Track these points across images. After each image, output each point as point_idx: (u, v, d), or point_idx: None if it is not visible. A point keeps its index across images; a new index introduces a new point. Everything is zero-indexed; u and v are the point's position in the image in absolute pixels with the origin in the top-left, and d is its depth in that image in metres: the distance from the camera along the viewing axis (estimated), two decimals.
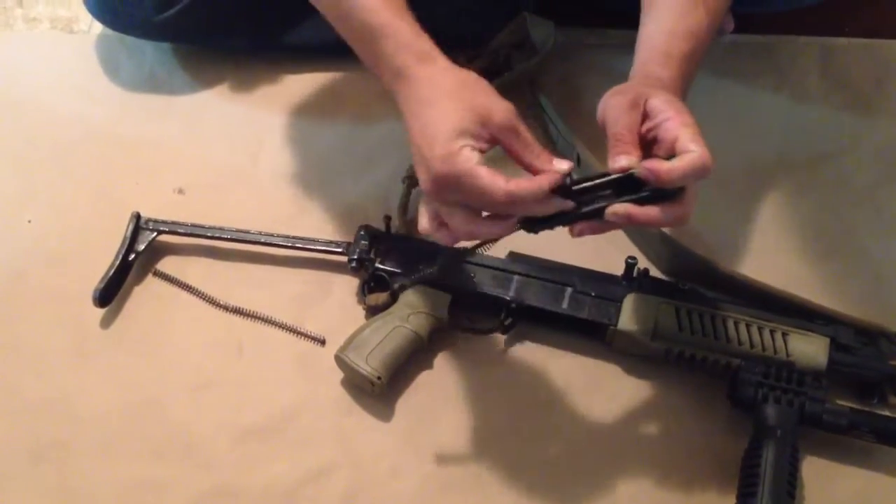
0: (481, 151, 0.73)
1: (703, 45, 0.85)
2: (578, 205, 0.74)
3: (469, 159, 0.71)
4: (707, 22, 0.85)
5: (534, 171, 0.74)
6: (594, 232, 0.76)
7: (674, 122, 0.73)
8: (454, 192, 0.73)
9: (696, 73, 0.85)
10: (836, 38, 1.22)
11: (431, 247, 0.98)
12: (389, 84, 0.81)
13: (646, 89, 0.77)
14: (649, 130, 0.76)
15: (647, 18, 0.87)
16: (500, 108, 0.74)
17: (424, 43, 0.79)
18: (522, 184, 0.71)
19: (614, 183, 0.73)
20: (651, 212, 0.73)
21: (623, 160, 0.72)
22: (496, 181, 0.71)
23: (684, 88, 0.82)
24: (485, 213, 0.75)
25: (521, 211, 0.73)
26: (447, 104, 0.75)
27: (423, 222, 0.78)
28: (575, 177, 0.74)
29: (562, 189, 0.72)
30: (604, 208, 0.73)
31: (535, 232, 0.76)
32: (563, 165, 0.73)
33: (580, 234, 0.75)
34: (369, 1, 0.80)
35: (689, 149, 0.71)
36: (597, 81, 0.85)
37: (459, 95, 0.75)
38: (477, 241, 0.95)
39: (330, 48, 1.19)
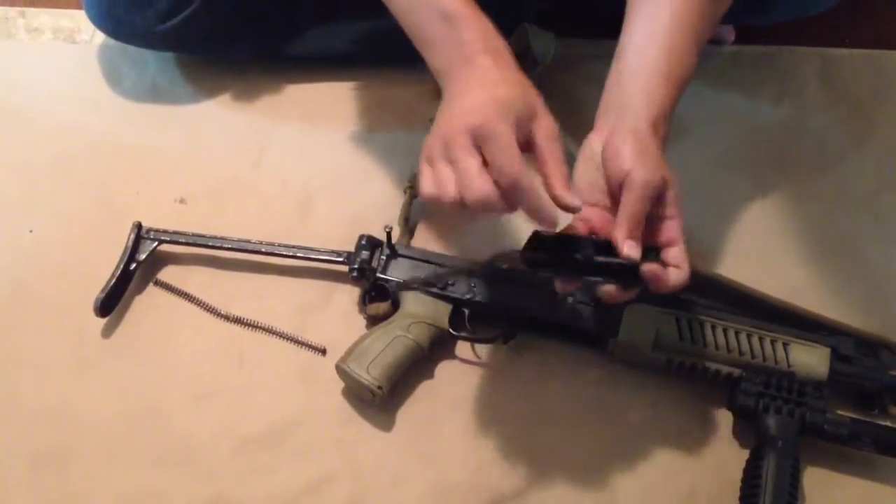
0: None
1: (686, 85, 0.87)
2: (586, 272, 0.78)
3: (508, 130, 0.73)
4: (695, 64, 0.87)
5: (548, 187, 0.75)
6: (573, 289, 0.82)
7: (676, 226, 0.79)
8: (472, 149, 0.73)
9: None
10: (837, 49, 1.23)
11: (433, 256, 0.99)
12: (451, 67, 0.81)
13: (667, 172, 0.79)
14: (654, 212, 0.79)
15: (641, 41, 0.87)
16: (550, 117, 0.77)
17: (500, 41, 0.81)
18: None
19: (619, 266, 0.77)
20: (625, 294, 0.80)
21: (634, 251, 0.76)
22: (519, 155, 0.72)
23: (661, 127, 0.84)
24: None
25: (518, 197, 0.73)
26: (507, 90, 0.76)
27: (426, 182, 0.76)
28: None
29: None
30: (600, 282, 0.79)
31: (534, 265, 0.79)
32: (575, 201, 0.75)
33: (566, 290, 0.83)
34: None
35: (683, 265, 0.78)
36: (597, 92, 0.86)
37: (521, 90, 0.77)
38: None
39: (331, 58, 1.20)
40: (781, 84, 1.19)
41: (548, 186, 0.75)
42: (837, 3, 1.08)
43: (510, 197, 0.72)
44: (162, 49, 1.20)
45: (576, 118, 1.00)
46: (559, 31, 1.15)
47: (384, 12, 0.87)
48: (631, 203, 0.77)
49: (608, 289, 0.78)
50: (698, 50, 0.87)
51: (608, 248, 0.77)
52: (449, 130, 0.74)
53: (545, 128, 0.76)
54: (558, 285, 0.80)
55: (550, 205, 0.73)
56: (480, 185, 0.71)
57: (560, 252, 0.76)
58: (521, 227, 1.01)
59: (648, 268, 0.77)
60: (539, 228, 0.75)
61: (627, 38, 0.87)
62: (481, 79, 0.77)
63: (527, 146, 0.76)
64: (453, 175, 0.73)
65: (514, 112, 0.74)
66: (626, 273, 0.77)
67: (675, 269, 0.78)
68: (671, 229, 0.79)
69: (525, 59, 1.13)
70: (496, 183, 0.71)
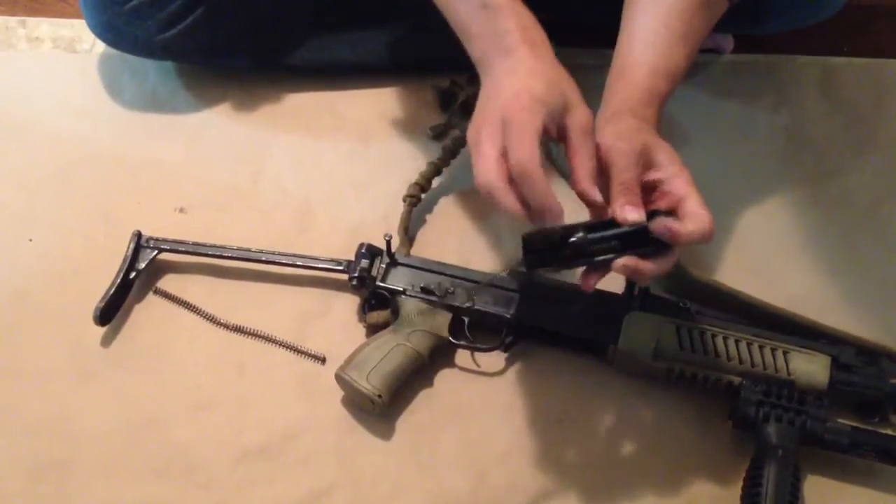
0: (546, 133, 0.76)
1: (677, 85, 0.87)
2: (590, 253, 0.76)
3: (532, 120, 0.74)
4: (685, 65, 0.87)
5: (574, 181, 0.76)
6: (600, 279, 0.78)
7: (682, 182, 0.77)
8: (496, 137, 0.75)
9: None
10: (836, 58, 1.23)
11: (432, 265, 0.99)
12: (490, 57, 0.82)
13: (649, 138, 0.79)
14: (651, 180, 0.78)
15: (628, 45, 0.88)
16: (585, 110, 0.78)
17: (539, 33, 0.82)
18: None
19: (624, 235, 0.75)
20: (651, 265, 0.76)
21: (633, 213, 0.75)
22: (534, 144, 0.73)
23: (659, 126, 0.84)
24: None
25: (526, 187, 0.73)
26: (541, 83, 0.77)
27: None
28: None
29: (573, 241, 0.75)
30: (612, 259, 0.75)
31: (535, 266, 0.78)
32: (598, 196, 0.75)
33: (591, 287, 0.78)
34: None
35: (699, 213, 0.75)
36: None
37: (557, 82, 0.79)
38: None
39: (331, 68, 1.20)
40: (780, 93, 1.19)
41: (574, 180, 0.76)
42: (836, 13, 1.08)
43: (521, 188, 0.73)
44: (162, 59, 1.20)
45: None
46: (558, 40, 1.15)
47: (383, 23, 0.88)
48: (617, 173, 0.77)
49: (624, 262, 0.74)
50: (689, 40, 0.88)
51: (607, 225, 0.76)
52: (482, 121, 0.77)
53: (579, 121, 0.77)
54: (583, 282, 0.78)
55: (556, 204, 0.73)
56: (486, 170, 0.74)
57: (554, 244, 0.76)
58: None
59: (658, 223, 0.74)
60: (526, 232, 0.76)
61: (620, 35, 0.89)
62: (517, 70, 0.78)
63: (561, 138, 0.77)
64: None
65: (547, 105, 0.75)
66: (635, 239, 0.75)
67: (691, 218, 0.75)
68: (676, 186, 0.77)
69: None
70: (510, 171, 0.73)
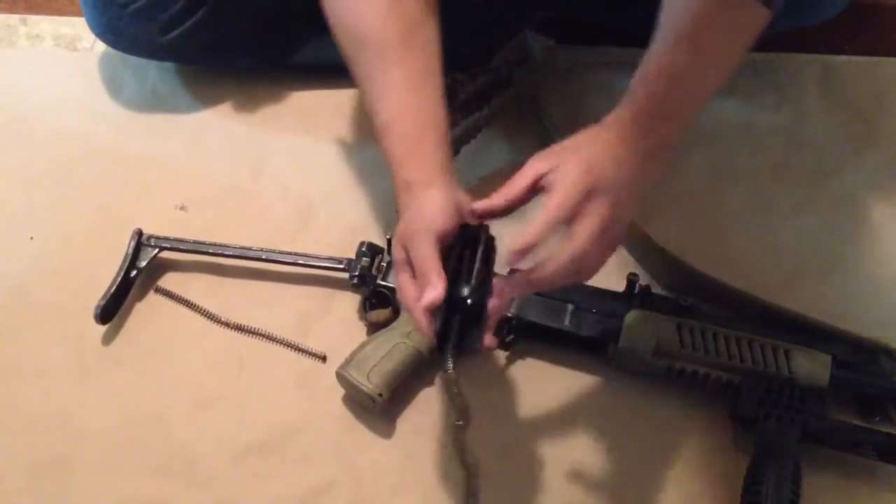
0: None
1: (685, 87, 0.79)
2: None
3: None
4: (688, 61, 0.78)
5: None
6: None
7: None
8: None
9: (687, 118, 0.82)
10: (837, 56, 1.23)
11: None
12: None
13: (561, 149, 0.77)
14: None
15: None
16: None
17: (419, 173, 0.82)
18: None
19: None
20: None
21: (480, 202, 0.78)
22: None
23: (642, 127, 0.78)
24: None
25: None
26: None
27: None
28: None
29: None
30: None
31: (442, 351, 0.75)
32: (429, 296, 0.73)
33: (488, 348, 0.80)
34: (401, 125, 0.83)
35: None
36: (598, 99, 0.86)
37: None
38: None
39: (331, 67, 1.20)
40: (781, 91, 1.19)
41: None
42: (837, 13, 1.08)
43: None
44: (163, 59, 1.21)
45: (578, 126, 1.00)
46: (561, 38, 1.16)
47: None
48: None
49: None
50: (703, 59, 0.80)
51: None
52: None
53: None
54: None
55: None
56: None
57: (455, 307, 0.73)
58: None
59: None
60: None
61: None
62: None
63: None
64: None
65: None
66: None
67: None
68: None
69: (526, 66, 1.14)
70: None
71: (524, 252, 0.72)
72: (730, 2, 0.77)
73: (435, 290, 0.72)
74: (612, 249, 0.79)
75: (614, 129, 0.77)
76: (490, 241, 0.77)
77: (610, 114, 0.79)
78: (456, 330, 0.73)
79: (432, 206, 0.77)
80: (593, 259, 0.76)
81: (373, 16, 0.84)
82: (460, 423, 0.73)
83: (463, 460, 0.70)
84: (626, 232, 1.02)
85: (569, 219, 0.73)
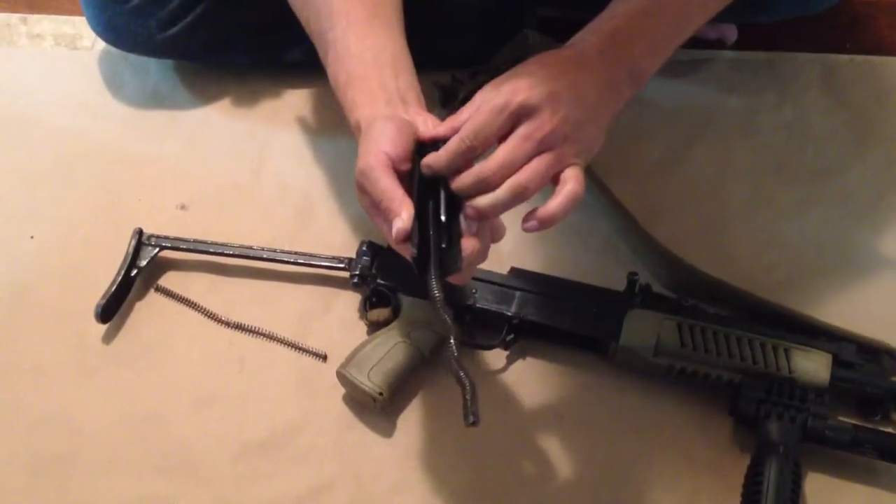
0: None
1: (656, 15, 0.81)
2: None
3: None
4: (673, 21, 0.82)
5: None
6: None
7: (504, 148, 0.74)
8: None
9: (665, 47, 0.82)
10: (838, 55, 1.23)
11: None
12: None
13: (531, 96, 0.75)
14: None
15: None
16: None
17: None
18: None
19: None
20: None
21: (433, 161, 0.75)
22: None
23: (605, 53, 0.79)
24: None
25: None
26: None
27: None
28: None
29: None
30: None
31: (422, 276, 0.73)
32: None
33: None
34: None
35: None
36: None
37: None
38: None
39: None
40: (782, 90, 1.19)
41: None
42: (836, 3, 1.07)
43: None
44: (163, 57, 1.21)
45: None
46: (562, 37, 1.15)
47: None
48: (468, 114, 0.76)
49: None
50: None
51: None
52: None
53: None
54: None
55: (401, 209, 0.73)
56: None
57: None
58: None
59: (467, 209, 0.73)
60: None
61: None
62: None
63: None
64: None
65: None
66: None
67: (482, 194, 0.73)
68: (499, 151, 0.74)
69: None
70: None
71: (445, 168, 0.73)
72: None
73: (400, 218, 0.72)
74: (559, 164, 0.75)
75: (575, 53, 0.78)
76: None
77: (574, 36, 0.80)
78: (435, 251, 0.72)
79: (378, 133, 0.76)
80: (531, 171, 0.74)
81: None
82: (452, 343, 0.72)
83: (458, 378, 0.70)
84: (626, 229, 1.03)
85: (487, 135, 0.74)
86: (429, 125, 0.78)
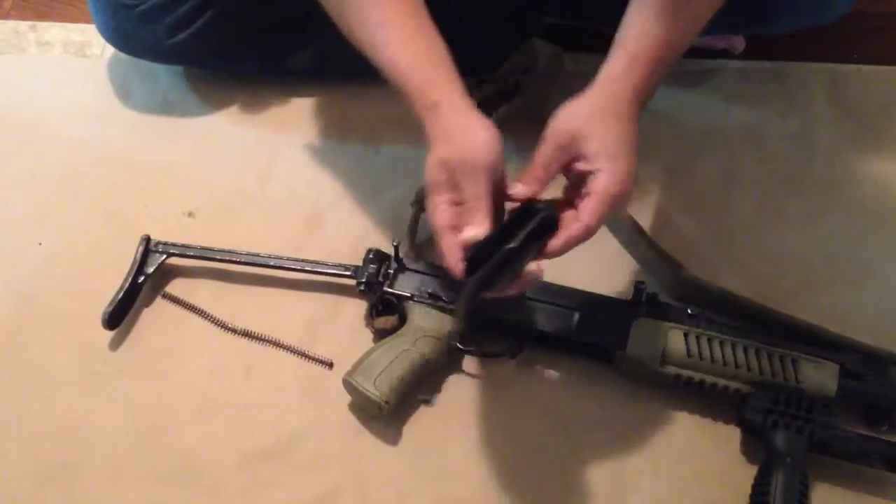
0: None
1: (673, 56, 0.83)
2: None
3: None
4: (682, 32, 0.83)
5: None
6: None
7: (597, 180, 0.76)
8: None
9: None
10: (845, 65, 1.22)
11: (440, 270, 0.98)
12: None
13: (588, 127, 0.78)
14: (578, 171, 0.78)
15: (625, 19, 0.85)
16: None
17: (437, 94, 0.81)
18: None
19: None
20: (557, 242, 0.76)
21: (520, 190, 0.78)
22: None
23: (640, 94, 0.81)
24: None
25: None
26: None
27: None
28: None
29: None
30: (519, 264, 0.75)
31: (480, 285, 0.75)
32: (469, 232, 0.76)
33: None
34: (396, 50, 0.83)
35: (585, 216, 0.75)
36: None
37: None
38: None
39: (339, 72, 1.20)
40: (789, 100, 1.19)
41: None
42: (847, 11, 1.07)
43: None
44: (171, 63, 1.21)
45: None
46: (568, 46, 1.16)
47: None
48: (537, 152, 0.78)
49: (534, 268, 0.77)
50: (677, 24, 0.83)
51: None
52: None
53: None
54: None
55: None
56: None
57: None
58: None
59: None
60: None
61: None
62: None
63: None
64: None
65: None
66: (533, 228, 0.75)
67: (567, 225, 0.76)
68: (591, 181, 0.76)
69: (533, 74, 1.14)
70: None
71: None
72: None
73: (474, 228, 0.74)
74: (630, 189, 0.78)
75: (626, 109, 0.79)
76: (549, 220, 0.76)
77: (612, 68, 0.81)
78: (485, 270, 0.74)
79: (485, 136, 0.78)
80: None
81: None
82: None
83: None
84: (633, 239, 1.03)
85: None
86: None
